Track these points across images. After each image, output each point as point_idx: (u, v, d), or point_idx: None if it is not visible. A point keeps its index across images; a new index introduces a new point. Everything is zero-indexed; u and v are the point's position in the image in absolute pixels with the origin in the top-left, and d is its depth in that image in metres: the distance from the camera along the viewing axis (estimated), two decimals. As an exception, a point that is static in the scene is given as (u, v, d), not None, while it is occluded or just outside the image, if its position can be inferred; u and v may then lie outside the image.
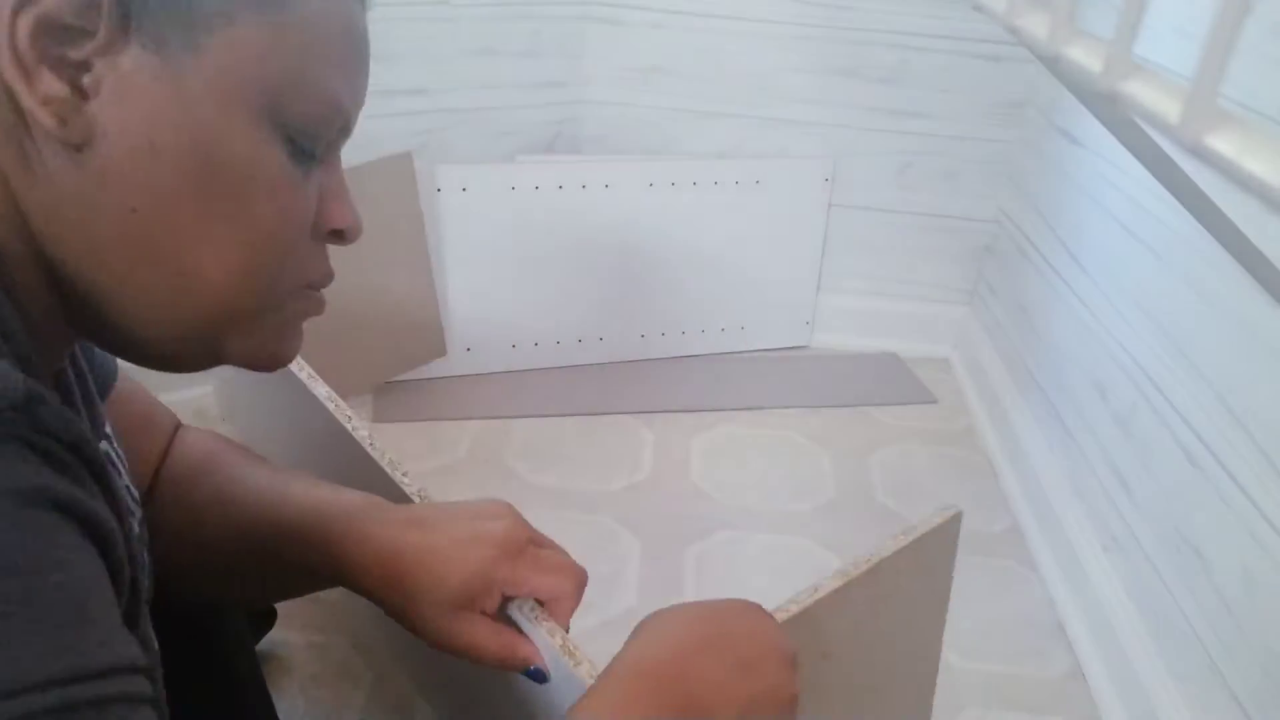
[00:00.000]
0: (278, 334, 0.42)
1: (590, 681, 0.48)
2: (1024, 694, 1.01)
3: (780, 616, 0.52)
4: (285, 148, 0.37)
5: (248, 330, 0.40)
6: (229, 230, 0.37)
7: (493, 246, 1.45)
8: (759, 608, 0.50)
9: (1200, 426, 0.89)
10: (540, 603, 0.52)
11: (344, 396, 0.75)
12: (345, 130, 0.41)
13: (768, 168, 1.56)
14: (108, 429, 0.46)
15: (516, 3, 1.52)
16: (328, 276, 0.43)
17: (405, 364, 1.45)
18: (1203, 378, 0.89)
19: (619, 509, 1.23)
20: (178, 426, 0.63)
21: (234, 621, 0.78)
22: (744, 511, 1.26)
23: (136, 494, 0.48)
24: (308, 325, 0.45)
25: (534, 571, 0.51)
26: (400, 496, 0.61)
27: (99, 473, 0.33)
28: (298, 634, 1.03)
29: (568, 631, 0.52)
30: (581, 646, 0.50)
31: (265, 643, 1.01)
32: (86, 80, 0.34)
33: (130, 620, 0.40)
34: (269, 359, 0.42)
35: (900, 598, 0.62)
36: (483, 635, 0.51)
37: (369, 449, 0.66)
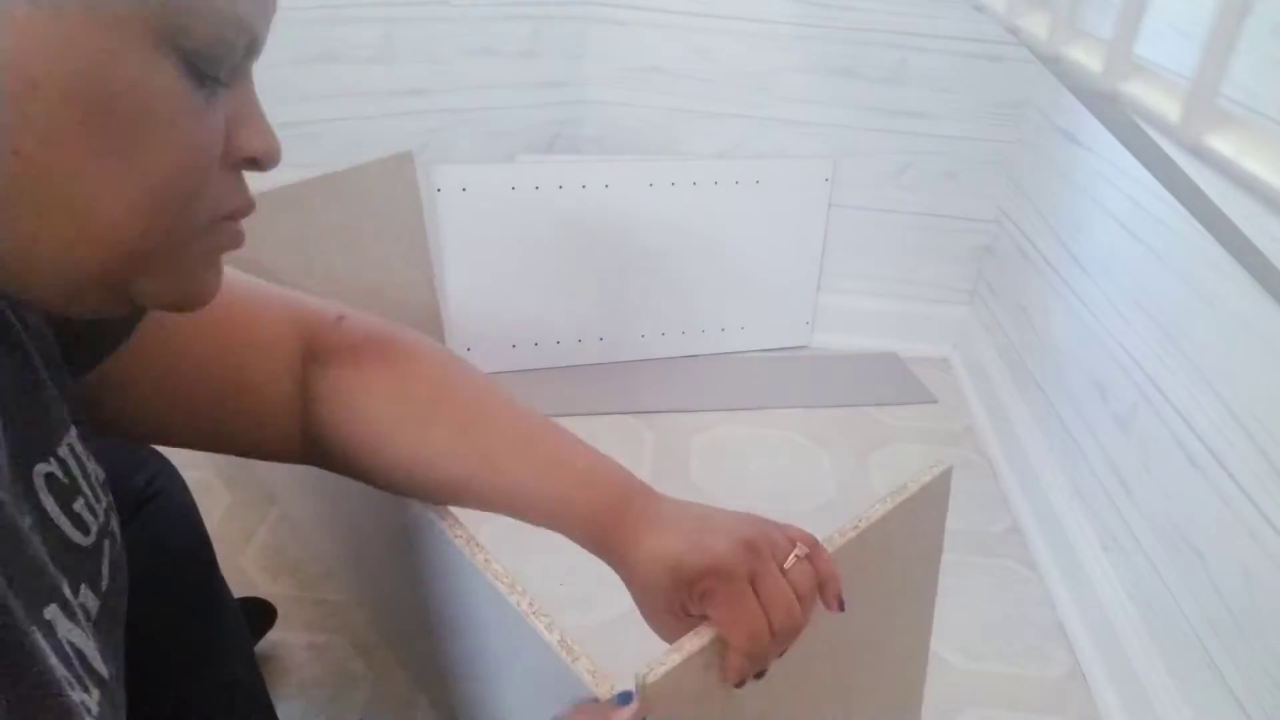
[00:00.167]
0: (190, 272, 0.39)
1: (589, 678, 0.48)
2: (1024, 694, 1.01)
3: None
4: (184, 73, 0.34)
5: (158, 270, 0.37)
6: (126, 166, 0.34)
7: (493, 246, 1.45)
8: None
9: (1200, 426, 0.89)
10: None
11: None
12: (252, 49, 0.37)
13: (767, 168, 1.56)
14: (70, 435, 0.42)
15: (516, 3, 1.53)
16: (247, 205, 0.40)
17: (405, 364, 1.45)
18: (1203, 378, 0.89)
19: (619, 509, 1.23)
20: (338, 318, 0.59)
21: (234, 622, 0.78)
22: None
23: (115, 524, 0.44)
24: None
25: (720, 605, 0.50)
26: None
27: None
28: (298, 634, 1.03)
29: (725, 682, 0.51)
30: (581, 644, 0.51)
31: (265, 643, 1.01)
32: None
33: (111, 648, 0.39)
34: (184, 299, 0.40)
35: (894, 556, 0.63)
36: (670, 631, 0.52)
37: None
